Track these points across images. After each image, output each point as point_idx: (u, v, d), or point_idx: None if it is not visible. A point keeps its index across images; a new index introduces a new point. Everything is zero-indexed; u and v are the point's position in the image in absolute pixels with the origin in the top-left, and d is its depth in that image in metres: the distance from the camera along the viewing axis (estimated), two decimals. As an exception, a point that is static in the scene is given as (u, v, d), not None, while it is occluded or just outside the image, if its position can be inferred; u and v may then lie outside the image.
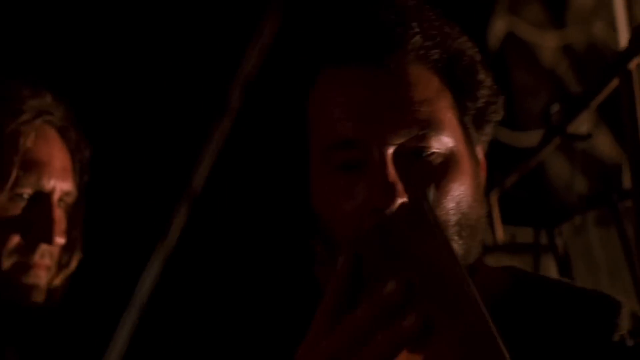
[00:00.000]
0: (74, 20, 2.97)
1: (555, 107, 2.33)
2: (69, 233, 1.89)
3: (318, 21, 1.33)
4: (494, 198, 2.89)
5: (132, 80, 2.95)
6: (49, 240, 1.81)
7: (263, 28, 2.85)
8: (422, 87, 1.27)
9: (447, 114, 1.29)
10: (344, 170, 1.27)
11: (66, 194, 1.86)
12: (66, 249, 1.89)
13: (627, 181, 2.94)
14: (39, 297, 1.83)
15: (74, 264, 1.92)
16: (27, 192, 1.81)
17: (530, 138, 3.00)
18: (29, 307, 1.83)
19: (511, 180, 2.85)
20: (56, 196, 1.84)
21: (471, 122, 1.33)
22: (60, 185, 1.84)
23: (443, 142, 1.27)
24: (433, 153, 1.26)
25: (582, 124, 2.42)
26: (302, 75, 1.33)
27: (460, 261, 0.96)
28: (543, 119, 2.47)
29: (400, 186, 1.21)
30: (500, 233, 2.88)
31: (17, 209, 1.80)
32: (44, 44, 2.94)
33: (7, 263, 1.79)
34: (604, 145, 3.25)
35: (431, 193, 1.22)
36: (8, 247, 1.79)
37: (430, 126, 1.26)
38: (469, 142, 1.32)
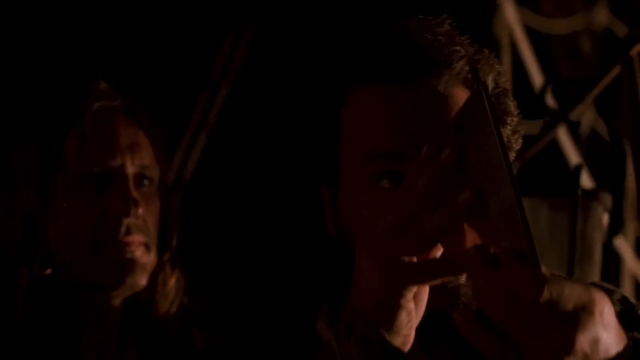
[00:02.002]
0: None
1: (548, 89, 2.31)
2: (163, 208, 1.84)
3: (360, 39, 1.35)
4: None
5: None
6: (126, 213, 1.75)
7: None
8: None
9: None
10: (380, 185, 1.28)
11: (145, 167, 1.80)
12: (163, 225, 1.84)
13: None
14: (139, 275, 1.77)
15: (174, 241, 1.86)
16: (93, 171, 1.76)
17: (533, 126, 3.00)
18: (130, 287, 1.77)
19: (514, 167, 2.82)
20: (130, 171, 1.78)
21: None
22: (133, 160, 1.78)
23: None
24: None
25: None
26: (338, 91, 1.34)
27: (505, 146, 1.04)
28: (540, 104, 2.47)
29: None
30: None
31: (87, 190, 1.76)
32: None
33: (89, 244, 1.75)
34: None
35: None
36: (85, 228, 1.75)
37: None
38: None
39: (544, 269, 1.02)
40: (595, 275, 2.51)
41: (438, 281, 1.11)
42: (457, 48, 1.30)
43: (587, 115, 3.23)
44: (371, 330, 1.12)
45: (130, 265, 1.76)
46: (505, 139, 1.28)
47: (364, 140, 1.30)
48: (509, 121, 1.33)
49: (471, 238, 1.12)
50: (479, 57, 1.31)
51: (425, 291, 1.15)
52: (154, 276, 1.81)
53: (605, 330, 1.05)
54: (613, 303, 1.09)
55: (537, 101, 2.68)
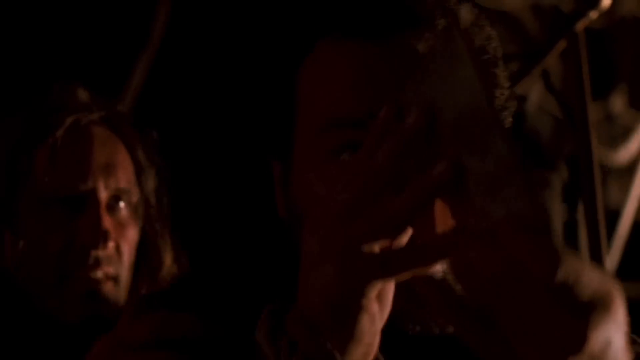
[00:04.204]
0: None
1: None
2: (143, 231, 1.73)
3: None
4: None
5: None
6: (94, 245, 1.64)
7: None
8: None
9: None
10: (340, 158, 1.08)
11: (121, 190, 1.69)
12: (143, 254, 1.74)
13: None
14: (104, 312, 1.66)
15: (155, 266, 1.76)
16: (62, 194, 1.66)
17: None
18: (98, 317, 1.66)
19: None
20: (104, 195, 1.67)
21: None
22: (107, 183, 1.67)
23: None
24: None
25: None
26: (298, 46, 1.16)
27: (490, 93, 0.88)
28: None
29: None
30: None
31: (55, 213, 1.66)
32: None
33: (52, 274, 1.65)
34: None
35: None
36: (49, 257, 1.65)
37: None
38: None
39: (557, 242, 0.83)
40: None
41: (409, 275, 0.89)
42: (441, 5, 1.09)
43: (535, 90, 3.22)
44: (320, 347, 0.89)
45: (96, 303, 1.67)
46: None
47: (324, 104, 1.11)
48: (497, 94, 1.11)
49: (443, 218, 0.91)
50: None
51: (390, 288, 0.93)
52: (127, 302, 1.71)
53: (618, 333, 0.86)
54: None
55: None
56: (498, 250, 0.84)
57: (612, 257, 2.90)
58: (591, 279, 0.84)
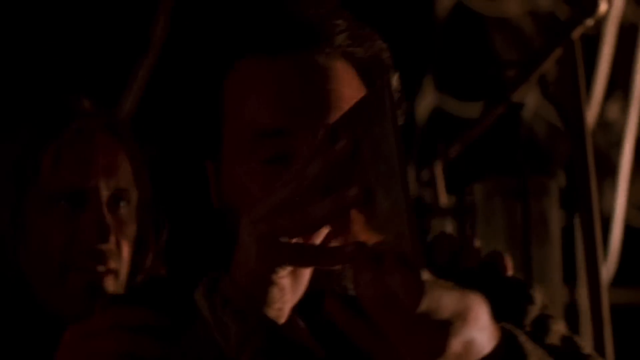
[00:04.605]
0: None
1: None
2: (139, 229, 1.80)
3: (243, 8, 1.36)
4: (438, 168, 2.89)
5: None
6: (98, 240, 1.71)
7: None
8: (347, 84, 1.32)
9: None
10: (268, 162, 1.30)
11: (121, 190, 1.77)
12: (138, 250, 1.80)
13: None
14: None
15: (148, 262, 1.82)
16: (66, 191, 1.72)
17: (476, 108, 2.99)
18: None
19: (455, 150, 2.84)
20: (105, 193, 1.74)
21: None
22: (108, 182, 1.75)
23: None
24: None
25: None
26: (221, 62, 1.35)
27: (400, 146, 1.04)
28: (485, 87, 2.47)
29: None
30: (443, 201, 2.88)
31: (60, 209, 1.73)
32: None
33: (55, 268, 1.72)
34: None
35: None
36: (54, 249, 1.72)
37: None
38: None
39: (426, 275, 1.03)
40: (556, 255, 2.51)
41: (311, 267, 1.16)
42: (339, 22, 1.32)
43: (532, 97, 3.24)
44: (246, 303, 1.15)
45: (97, 297, 1.71)
46: None
47: (247, 114, 1.31)
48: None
49: (358, 227, 1.13)
50: (360, 32, 1.33)
51: (306, 271, 1.18)
52: None
53: (480, 332, 1.10)
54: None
55: (478, 83, 2.67)
56: (382, 275, 1.05)
57: (609, 264, 2.92)
58: (450, 301, 1.07)
